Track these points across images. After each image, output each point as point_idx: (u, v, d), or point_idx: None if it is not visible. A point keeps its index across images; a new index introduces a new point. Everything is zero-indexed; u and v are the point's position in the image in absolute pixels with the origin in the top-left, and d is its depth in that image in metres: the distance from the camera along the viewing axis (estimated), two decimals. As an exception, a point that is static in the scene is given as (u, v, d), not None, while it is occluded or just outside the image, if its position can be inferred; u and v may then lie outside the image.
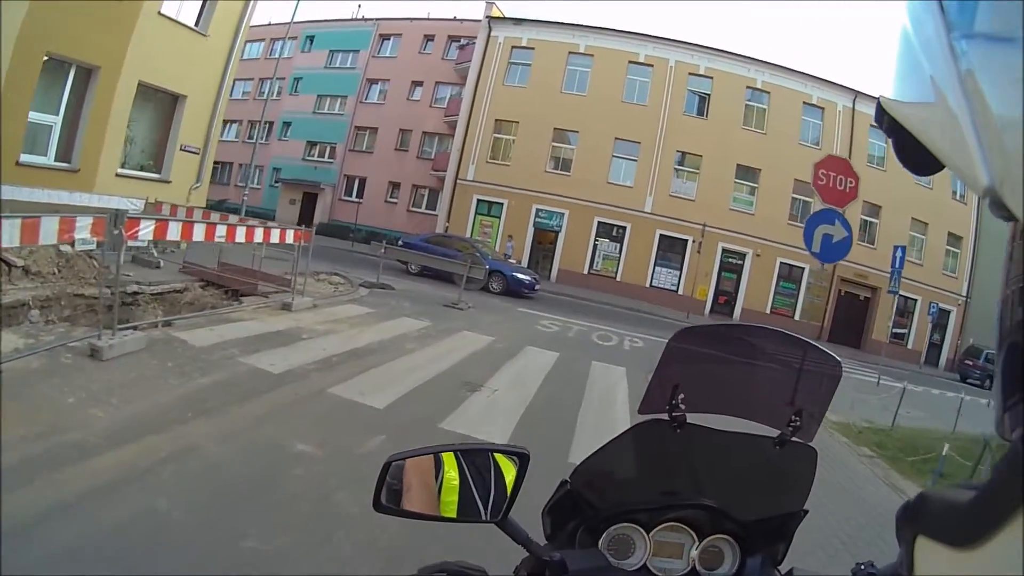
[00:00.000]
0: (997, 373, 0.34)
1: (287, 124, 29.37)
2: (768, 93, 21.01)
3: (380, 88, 26.65)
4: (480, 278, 12.06)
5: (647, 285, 20.57)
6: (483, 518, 0.78)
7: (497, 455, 0.81)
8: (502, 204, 21.18)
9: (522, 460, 0.80)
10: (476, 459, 0.81)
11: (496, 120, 21.58)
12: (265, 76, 31.00)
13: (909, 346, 21.03)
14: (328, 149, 27.71)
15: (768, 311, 20.75)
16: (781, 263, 20.94)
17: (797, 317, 20.89)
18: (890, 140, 0.46)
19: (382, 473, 0.78)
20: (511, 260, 16.36)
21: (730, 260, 20.94)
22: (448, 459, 0.79)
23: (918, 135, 0.40)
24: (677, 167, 20.91)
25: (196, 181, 11.89)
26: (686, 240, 20.46)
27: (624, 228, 20.76)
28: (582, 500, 0.86)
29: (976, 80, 0.32)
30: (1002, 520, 0.29)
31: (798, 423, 0.85)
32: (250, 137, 31.08)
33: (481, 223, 21.36)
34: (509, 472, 0.80)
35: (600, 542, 0.83)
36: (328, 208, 26.34)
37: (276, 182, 28.71)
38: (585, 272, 20.71)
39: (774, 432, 0.86)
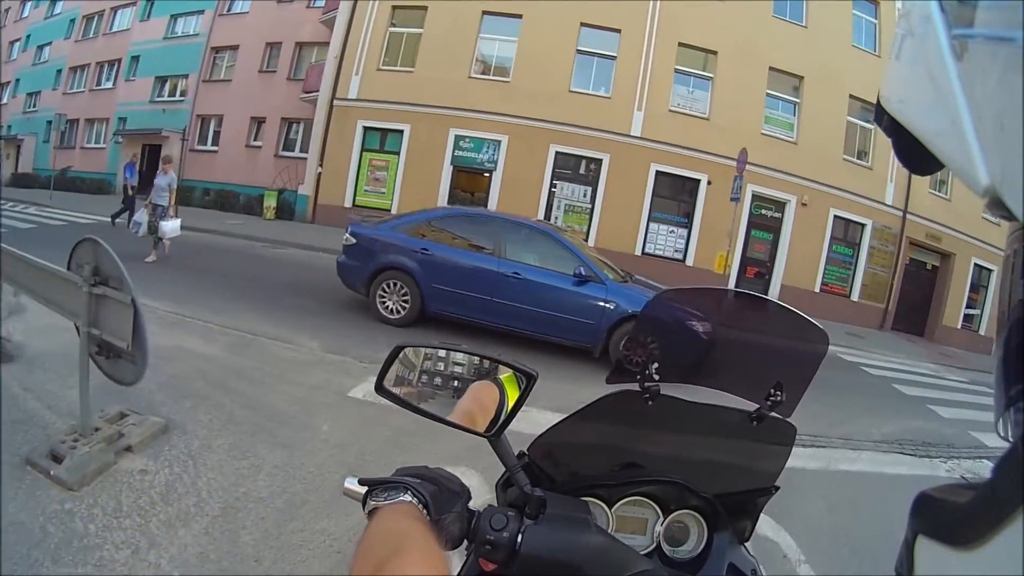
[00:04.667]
0: (996, 374, 0.34)
1: (135, 59, 21.32)
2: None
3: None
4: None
5: (637, 252, 13.05)
6: (478, 429, 0.73)
7: (503, 368, 0.75)
8: (402, 132, 13.42)
9: (529, 380, 0.73)
10: (485, 368, 0.76)
11: (393, 7, 13.76)
12: (115, 4, 23.07)
13: (982, 331, 15.18)
14: (179, 84, 19.63)
15: (817, 288, 13.93)
16: (835, 217, 14.11)
17: (855, 296, 14.39)
18: (890, 140, 0.44)
19: (391, 356, 0.74)
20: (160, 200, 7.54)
21: (763, 211, 13.71)
22: (457, 359, 0.75)
23: (918, 134, 0.39)
24: (680, 68, 13.33)
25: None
26: (698, 180, 12.97)
27: (599, 162, 13.18)
28: (540, 473, 0.81)
29: (976, 80, 0.32)
30: (1002, 520, 0.29)
31: (778, 398, 0.81)
32: (98, 84, 23.09)
33: (370, 164, 13.46)
34: (513, 390, 0.74)
35: None
36: (177, 163, 18.23)
37: (118, 136, 20.57)
38: (537, 235, 12.94)
39: (752, 406, 0.83)
